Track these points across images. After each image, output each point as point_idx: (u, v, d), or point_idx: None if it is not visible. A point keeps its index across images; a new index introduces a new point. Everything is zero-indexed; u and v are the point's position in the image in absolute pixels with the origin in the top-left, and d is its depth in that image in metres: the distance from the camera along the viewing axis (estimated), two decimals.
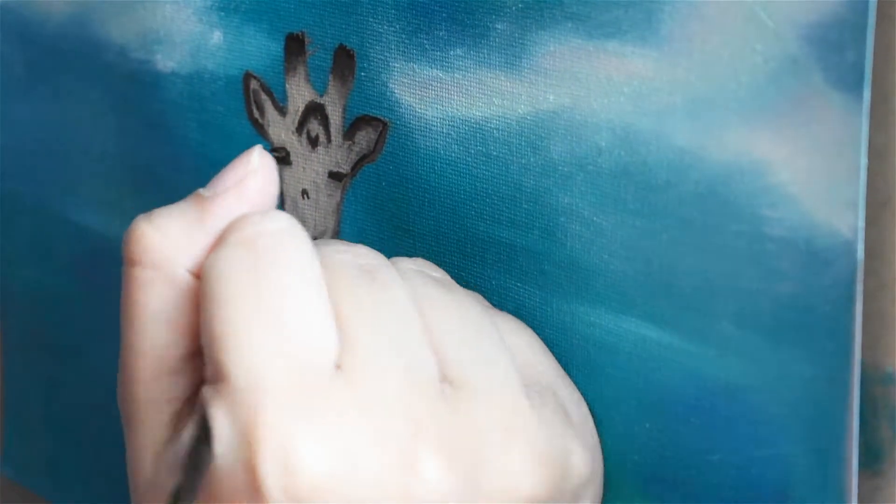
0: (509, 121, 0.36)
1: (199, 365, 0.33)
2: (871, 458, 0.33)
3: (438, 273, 0.36)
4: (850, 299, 0.31)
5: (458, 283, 0.37)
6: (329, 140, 0.40)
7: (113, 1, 0.44)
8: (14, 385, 0.54)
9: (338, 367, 0.32)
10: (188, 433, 0.32)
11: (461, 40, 0.36)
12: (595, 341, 0.36)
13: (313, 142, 0.40)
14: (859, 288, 0.31)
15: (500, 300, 0.37)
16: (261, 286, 0.32)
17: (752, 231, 0.32)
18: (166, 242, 0.33)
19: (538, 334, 0.36)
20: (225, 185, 0.34)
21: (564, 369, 0.36)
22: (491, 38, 0.35)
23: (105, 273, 0.48)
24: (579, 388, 0.36)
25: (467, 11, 0.36)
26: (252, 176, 0.34)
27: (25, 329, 0.52)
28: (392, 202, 0.39)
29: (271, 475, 0.30)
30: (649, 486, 0.36)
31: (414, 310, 0.33)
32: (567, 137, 0.35)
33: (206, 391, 0.32)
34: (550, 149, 0.35)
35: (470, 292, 0.36)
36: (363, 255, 0.34)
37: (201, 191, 0.34)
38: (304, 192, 0.41)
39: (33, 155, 0.49)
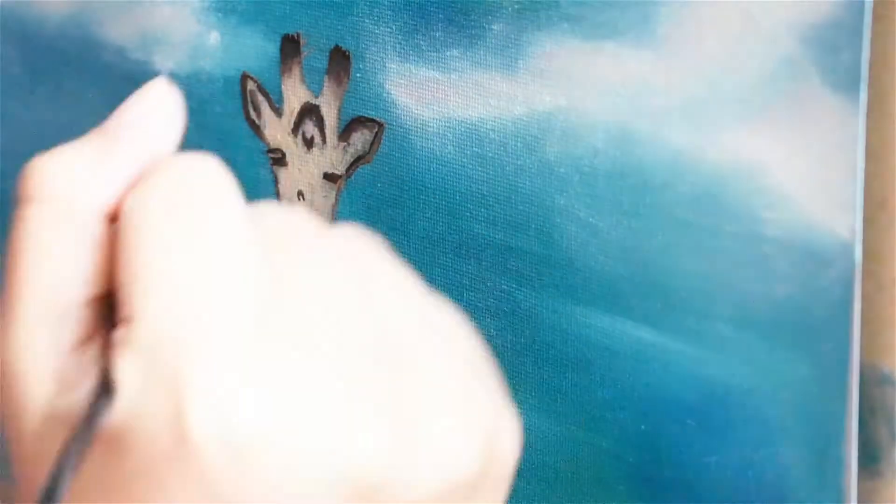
0: (505, 122, 0.36)
1: (92, 313, 0.32)
2: (868, 459, 0.33)
3: (374, 242, 0.34)
4: (848, 300, 0.31)
5: (453, 285, 0.37)
6: (324, 141, 0.40)
7: (111, 2, 0.44)
8: None
9: (266, 318, 0.30)
10: (88, 384, 0.31)
11: (457, 41, 0.36)
12: (591, 343, 0.36)
13: (308, 143, 0.40)
14: (857, 289, 0.31)
15: (495, 301, 0.37)
16: (185, 229, 0.30)
17: (748, 232, 0.32)
18: (68, 177, 0.31)
19: (534, 336, 0.37)
20: (128, 119, 0.33)
21: (560, 370, 0.36)
22: (487, 40, 0.35)
23: None
24: (575, 389, 0.36)
25: (463, 13, 0.36)
26: (157, 109, 0.33)
27: None
28: (387, 203, 0.39)
29: (202, 421, 0.29)
30: (646, 487, 0.36)
31: (354, 278, 0.32)
32: (563, 138, 0.35)
33: (119, 335, 0.30)
34: (546, 150, 0.35)
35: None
36: (298, 213, 0.33)
37: (103, 126, 0.33)
38: (300, 194, 0.41)
39: (33, 155, 0.49)
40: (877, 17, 0.30)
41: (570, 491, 0.37)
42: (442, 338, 0.33)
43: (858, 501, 0.33)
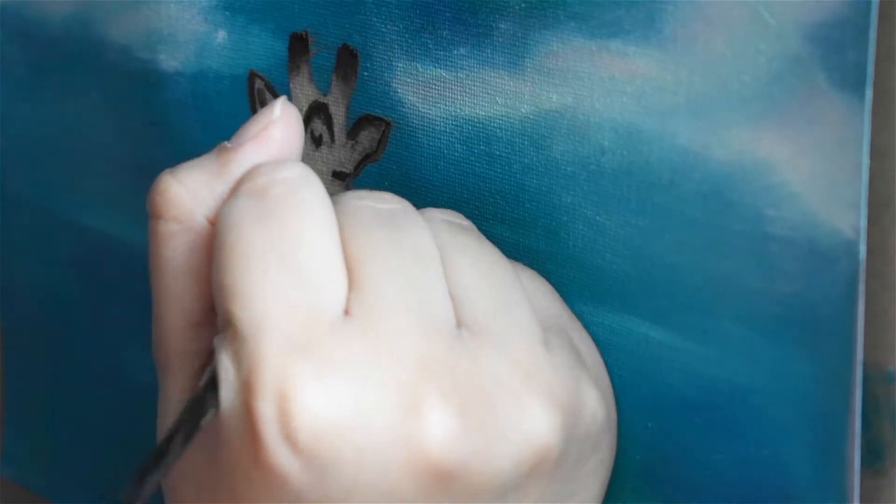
0: (512, 120, 0.36)
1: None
2: (872, 458, 0.33)
3: (466, 223, 0.36)
4: (853, 299, 0.31)
5: None
6: (332, 139, 0.39)
7: (115, 0, 0.44)
8: (14, 385, 0.54)
9: (347, 312, 0.31)
10: (201, 380, 0.32)
11: (465, 40, 0.36)
12: (597, 340, 0.36)
13: (317, 141, 0.40)
14: (861, 288, 0.31)
15: None
16: (268, 233, 0.32)
17: (754, 231, 0.32)
18: (188, 195, 0.33)
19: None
20: (247, 136, 0.34)
21: None
22: (494, 38, 0.35)
23: (105, 273, 0.48)
24: None
25: (471, 11, 0.36)
26: (273, 126, 0.34)
27: (25, 329, 0.52)
28: None
29: (269, 418, 0.30)
30: (652, 485, 0.36)
31: (434, 255, 0.33)
32: (570, 137, 0.35)
33: (217, 339, 0.32)
34: (553, 148, 0.35)
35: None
36: (386, 200, 0.34)
37: (225, 143, 0.34)
38: None
39: (34, 155, 0.49)
40: (883, 17, 0.30)
41: None
42: (522, 310, 0.33)
43: (862, 500, 0.33)
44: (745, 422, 0.33)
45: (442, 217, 0.35)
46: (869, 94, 0.30)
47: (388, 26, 0.37)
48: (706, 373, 0.34)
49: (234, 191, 0.33)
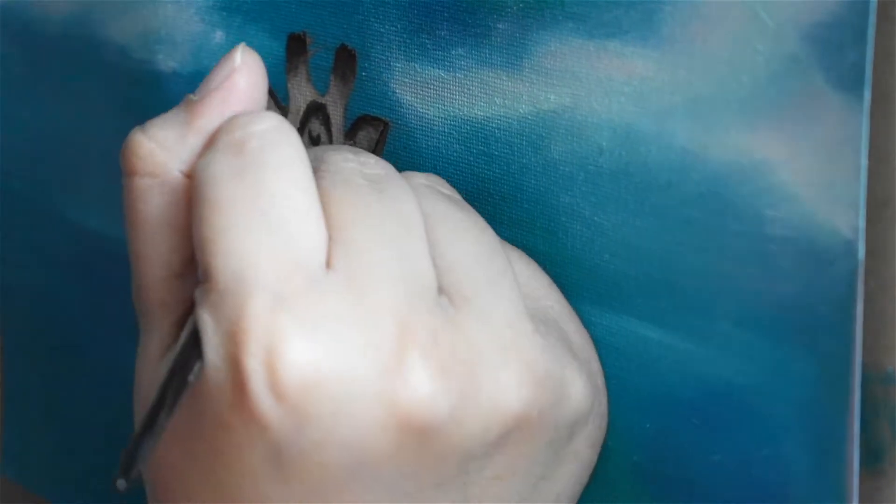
0: (510, 120, 0.36)
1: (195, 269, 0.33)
2: (871, 458, 0.33)
3: (449, 191, 0.36)
4: (851, 299, 0.31)
5: None
6: (330, 140, 0.39)
7: (114, 1, 0.44)
8: (14, 385, 0.54)
9: (329, 266, 0.32)
10: (183, 336, 0.33)
11: (463, 40, 0.36)
12: (596, 341, 0.36)
13: (315, 141, 0.40)
14: (860, 288, 0.31)
15: None
16: (247, 188, 0.32)
17: (753, 231, 0.32)
18: (160, 149, 0.34)
19: None
20: (211, 85, 0.34)
21: None
22: (492, 38, 0.35)
23: (105, 273, 0.48)
24: None
25: (469, 11, 0.36)
26: (237, 73, 0.34)
27: (25, 329, 0.52)
28: None
29: (256, 371, 0.30)
30: (650, 485, 0.36)
31: (418, 221, 0.33)
32: (568, 137, 0.35)
33: (197, 293, 0.32)
34: (551, 148, 0.35)
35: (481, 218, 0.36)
36: (371, 165, 0.34)
37: (190, 95, 0.34)
38: None
39: (34, 155, 0.49)
40: (881, 17, 0.30)
41: None
42: (505, 283, 0.33)
43: (861, 500, 0.33)
44: (743, 422, 0.33)
45: (425, 182, 0.35)
46: (867, 94, 0.30)
47: (387, 26, 0.37)
48: (705, 373, 0.34)
49: (211, 145, 0.33)
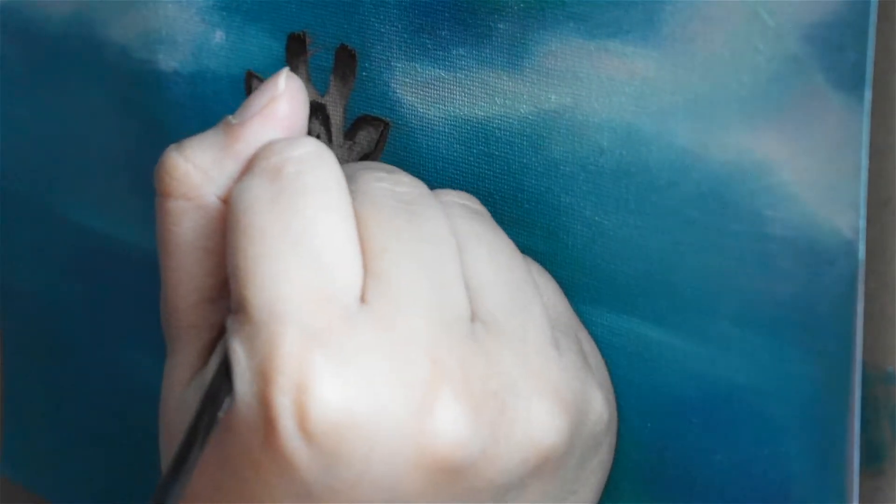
0: (511, 120, 0.36)
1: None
2: (871, 458, 0.33)
3: (480, 207, 0.35)
4: (852, 299, 0.31)
5: None
6: (330, 140, 0.39)
7: (115, 1, 0.44)
8: (14, 385, 0.54)
9: (364, 300, 0.31)
10: (213, 364, 0.32)
11: (463, 40, 0.36)
12: (597, 341, 0.36)
13: None
14: (860, 288, 0.31)
15: None
16: (283, 216, 0.31)
17: (753, 231, 0.32)
18: (197, 173, 0.33)
19: None
20: (252, 110, 0.34)
21: None
22: (493, 38, 0.35)
23: (105, 273, 0.48)
24: None
25: (469, 11, 0.36)
26: (279, 99, 0.34)
27: (25, 329, 0.52)
28: None
29: (286, 409, 0.30)
30: (651, 485, 0.36)
31: (452, 246, 0.32)
32: (569, 137, 0.35)
33: (229, 322, 0.31)
34: (552, 148, 0.35)
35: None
36: (404, 184, 0.33)
37: (230, 117, 0.34)
38: None
39: (34, 155, 0.49)
40: (882, 17, 0.30)
41: None
42: (535, 308, 0.33)
43: (861, 500, 0.33)
44: (744, 422, 0.33)
45: (458, 201, 0.34)
46: (868, 94, 0.30)
47: (387, 26, 0.37)
48: (705, 373, 0.34)
49: (247, 170, 0.33)
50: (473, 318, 0.32)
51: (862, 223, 0.31)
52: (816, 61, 0.30)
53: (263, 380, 0.30)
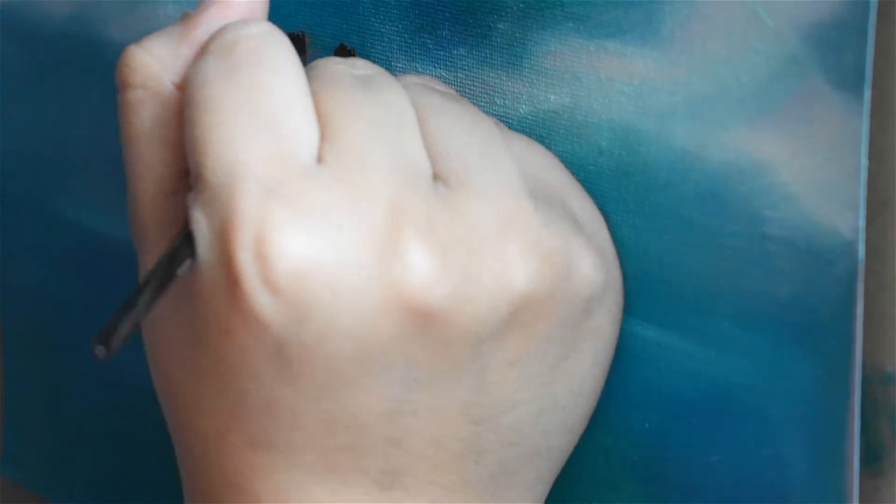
0: (511, 120, 0.36)
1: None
2: (871, 459, 0.33)
3: (446, 88, 0.35)
4: (851, 299, 0.31)
5: None
6: None
7: (114, 1, 0.44)
8: (14, 385, 0.54)
9: (320, 160, 0.31)
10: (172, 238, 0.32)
11: (463, 40, 0.36)
12: None
13: None
14: (860, 288, 0.31)
15: None
16: (237, 85, 0.31)
17: (752, 231, 0.32)
18: (154, 60, 0.33)
19: None
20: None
21: None
22: (493, 38, 0.35)
23: (105, 273, 0.48)
24: None
25: (469, 11, 0.36)
26: None
27: (25, 329, 0.52)
28: None
29: (247, 263, 0.30)
30: (649, 485, 0.36)
31: (409, 112, 0.32)
32: (568, 137, 0.35)
33: (190, 197, 0.31)
34: (551, 148, 0.35)
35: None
36: (360, 66, 0.33)
37: (189, 10, 0.34)
38: None
39: (34, 155, 0.49)
40: (881, 17, 0.30)
41: (572, 488, 0.37)
42: (504, 164, 0.32)
43: (861, 500, 0.33)
44: (743, 422, 0.33)
45: (420, 81, 0.35)
46: (867, 94, 0.30)
47: (387, 26, 0.37)
48: (704, 373, 0.34)
49: (202, 51, 0.33)
50: (436, 177, 0.32)
51: (861, 223, 0.31)
52: (816, 61, 0.30)
53: (224, 238, 0.30)
